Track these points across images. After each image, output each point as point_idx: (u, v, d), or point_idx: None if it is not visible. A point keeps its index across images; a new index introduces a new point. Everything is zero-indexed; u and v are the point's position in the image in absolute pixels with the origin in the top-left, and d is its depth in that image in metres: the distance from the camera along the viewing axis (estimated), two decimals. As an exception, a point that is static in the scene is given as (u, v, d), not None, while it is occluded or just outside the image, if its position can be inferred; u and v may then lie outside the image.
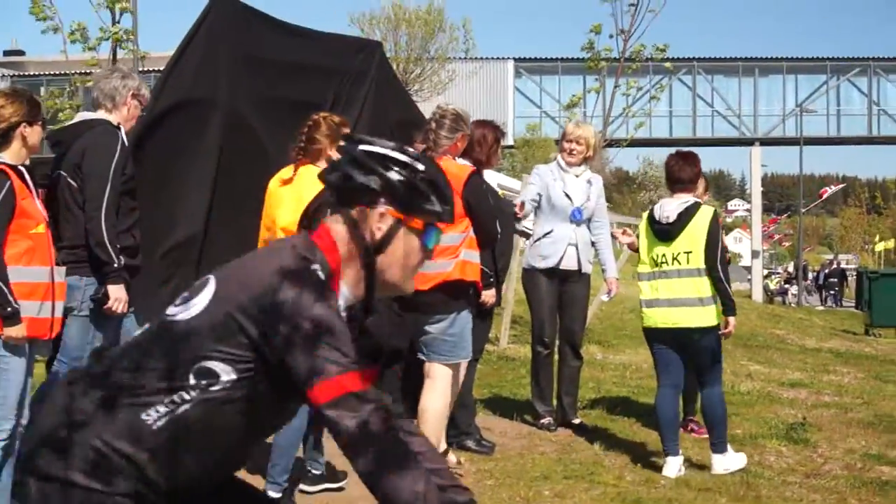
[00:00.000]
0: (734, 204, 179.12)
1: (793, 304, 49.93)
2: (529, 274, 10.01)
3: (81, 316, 6.86)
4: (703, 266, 8.46)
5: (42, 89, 13.51)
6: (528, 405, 10.23)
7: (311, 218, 6.20)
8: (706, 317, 8.50)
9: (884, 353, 20.81)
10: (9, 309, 5.98)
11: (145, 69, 16.14)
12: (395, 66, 31.64)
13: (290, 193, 6.74)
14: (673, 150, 9.05)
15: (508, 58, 67.69)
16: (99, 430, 2.89)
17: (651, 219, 8.70)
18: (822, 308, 49.23)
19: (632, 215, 34.59)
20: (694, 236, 8.48)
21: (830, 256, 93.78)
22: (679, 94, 69.33)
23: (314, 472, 7.42)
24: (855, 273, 60.21)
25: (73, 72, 13.28)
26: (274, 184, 7.00)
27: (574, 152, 9.94)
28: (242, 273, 3.09)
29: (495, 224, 7.87)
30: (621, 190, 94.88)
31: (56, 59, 13.14)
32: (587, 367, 14.26)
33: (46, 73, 48.05)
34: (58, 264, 6.41)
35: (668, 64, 17.86)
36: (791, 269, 68.80)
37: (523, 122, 59.99)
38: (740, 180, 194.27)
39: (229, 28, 8.38)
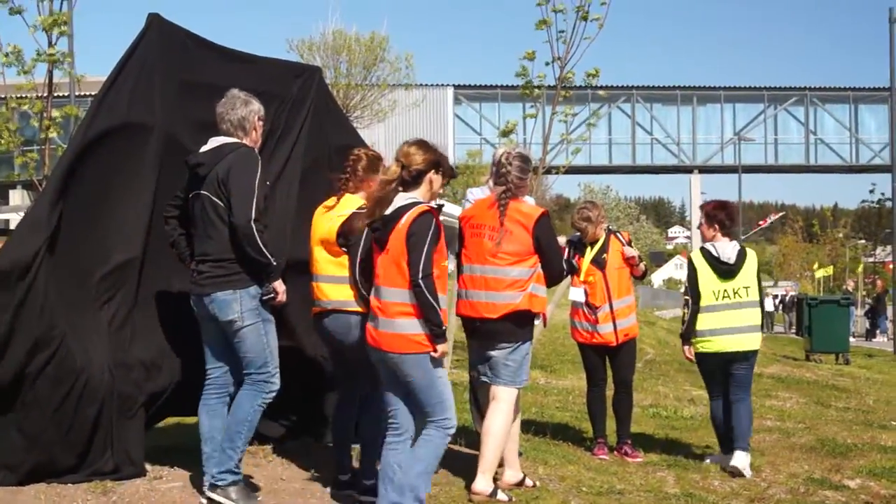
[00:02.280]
0: (674, 231, 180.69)
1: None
2: None
3: (248, 326, 7.31)
4: (758, 298, 10.22)
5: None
6: (470, 430, 10.13)
7: (344, 235, 7.10)
8: (758, 340, 10.30)
9: (824, 378, 20.93)
10: None
11: (82, 93, 15.94)
12: (335, 93, 31.65)
13: (333, 215, 7.77)
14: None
15: (448, 85, 67.80)
16: None
17: (711, 259, 10.14)
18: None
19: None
20: (750, 274, 10.19)
21: (770, 283, 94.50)
22: (618, 122, 69.79)
23: (341, 477, 8.00)
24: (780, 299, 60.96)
25: (7, 95, 13.07)
26: (318, 211, 7.98)
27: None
28: None
29: (562, 262, 8.71)
30: (562, 217, 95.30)
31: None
32: (530, 391, 14.22)
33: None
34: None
35: (601, 91, 17.87)
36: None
37: (463, 148, 59.91)
38: (680, 207, 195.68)
39: (165, 52, 8.27)
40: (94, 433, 7.59)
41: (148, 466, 7.93)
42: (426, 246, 6.77)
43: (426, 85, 57.82)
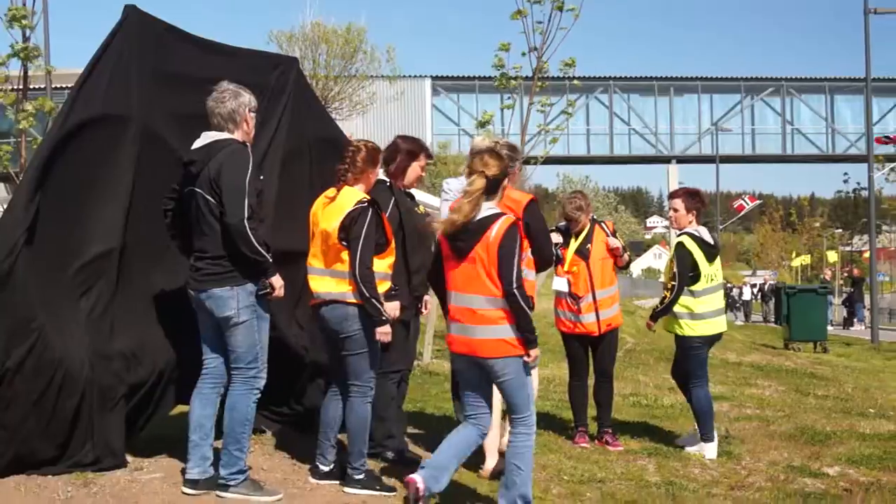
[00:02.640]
0: (653, 221, 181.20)
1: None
2: None
3: (243, 322, 7.38)
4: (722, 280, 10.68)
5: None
6: (453, 420, 10.15)
7: (345, 231, 7.28)
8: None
9: (803, 366, 21.00)
10: None
11: (57, 86, 15.88)
12: (314, 84, 31.60)
13: (333, 208, 7.73)
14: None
15: (426, 76, 67.74)
16: None
17: (701, 243, 10.31)
18: (740, 323, 49.81)
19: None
20: (719, 257, 10.59)
21: (749, 272, 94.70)
22: (596, 112, 69.83)
23: (322, 467, 8.10)
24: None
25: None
26: (318, 202, 7.94)
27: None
28: None
29: (551, 248, 9.02)
30: (542, 206, 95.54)
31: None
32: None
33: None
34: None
35: (576, 81, 17.89)
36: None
37: (442, 139, 60.04)
38: (658, 197, 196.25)
39: (142, 43, 8.24)
40: (74, 425, 7.56)
41: (128, 457, 7.91)
42: (517, 256, 7.05)
43: (404, 76, 57.83)
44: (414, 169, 8.96)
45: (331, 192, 7.89)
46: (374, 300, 7.60)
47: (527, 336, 7.06)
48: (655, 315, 10.40)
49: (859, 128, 66.37)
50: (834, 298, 48.80)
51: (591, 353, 10.54)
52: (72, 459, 7.56)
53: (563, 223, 10.61)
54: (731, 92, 71.15)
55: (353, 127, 36.29)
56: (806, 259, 66.50)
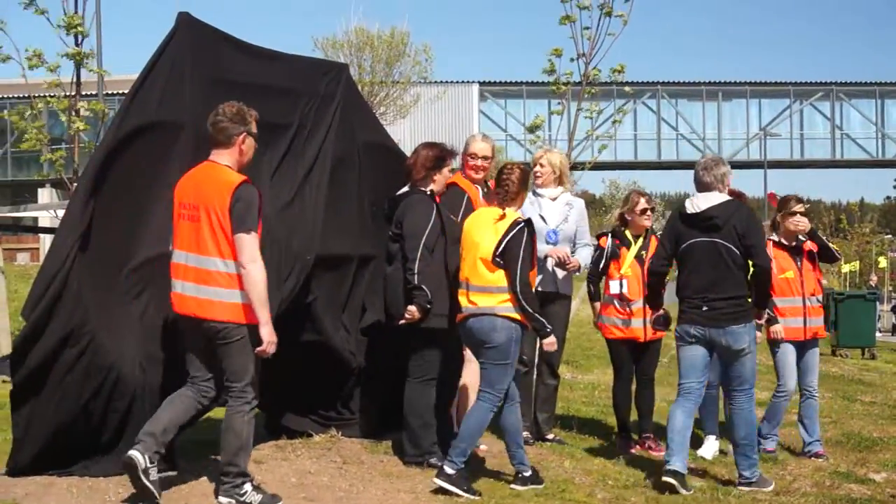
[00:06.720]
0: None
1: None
2: None
3: (752, 352, 9.06)
4: None
5: (6, 112, 13.54)
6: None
7: (506, 250, 8.14)
8: None
9: (851, 373, 20.85)
10: None
11: (110, 91, 16.03)
12: (360, 90, 31.73)
13: (492, 228, 8.28)
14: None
15: (473, 81, 67.66)
16: None
17: None
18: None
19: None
20: None
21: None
22: (643, 117, 69.49)
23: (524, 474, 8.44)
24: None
25: (33, 95, 13.26)
26: (472, 221, 8.54)
27: (538, 174, 10.31)
28: None
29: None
30: (588, 211, 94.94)
31: (17, 82, 13.28)
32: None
33: (9, 95, 47.93)
34: None
35: (627, 88, 17.83)
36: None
37: (489, 145, 59.97)
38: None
39: (195, 50, 8.31)
40: (124, 427, 7.65)
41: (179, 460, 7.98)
42: None
43: (451, 82, 57.90)
44: (444, 174, 9.01)
45: (487, 211, 8.56)
46: (537, 314, 8.17)
47: None
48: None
49: (910, 132, 65.79)
50: (882, 305, 48.38)
51: (635, 358, 10.54)
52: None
53: (607, 229, 10.62)
54: (780, 97, 70.65)
55: (401, 133, 36.40)
56: (855, 265, 65.68)
